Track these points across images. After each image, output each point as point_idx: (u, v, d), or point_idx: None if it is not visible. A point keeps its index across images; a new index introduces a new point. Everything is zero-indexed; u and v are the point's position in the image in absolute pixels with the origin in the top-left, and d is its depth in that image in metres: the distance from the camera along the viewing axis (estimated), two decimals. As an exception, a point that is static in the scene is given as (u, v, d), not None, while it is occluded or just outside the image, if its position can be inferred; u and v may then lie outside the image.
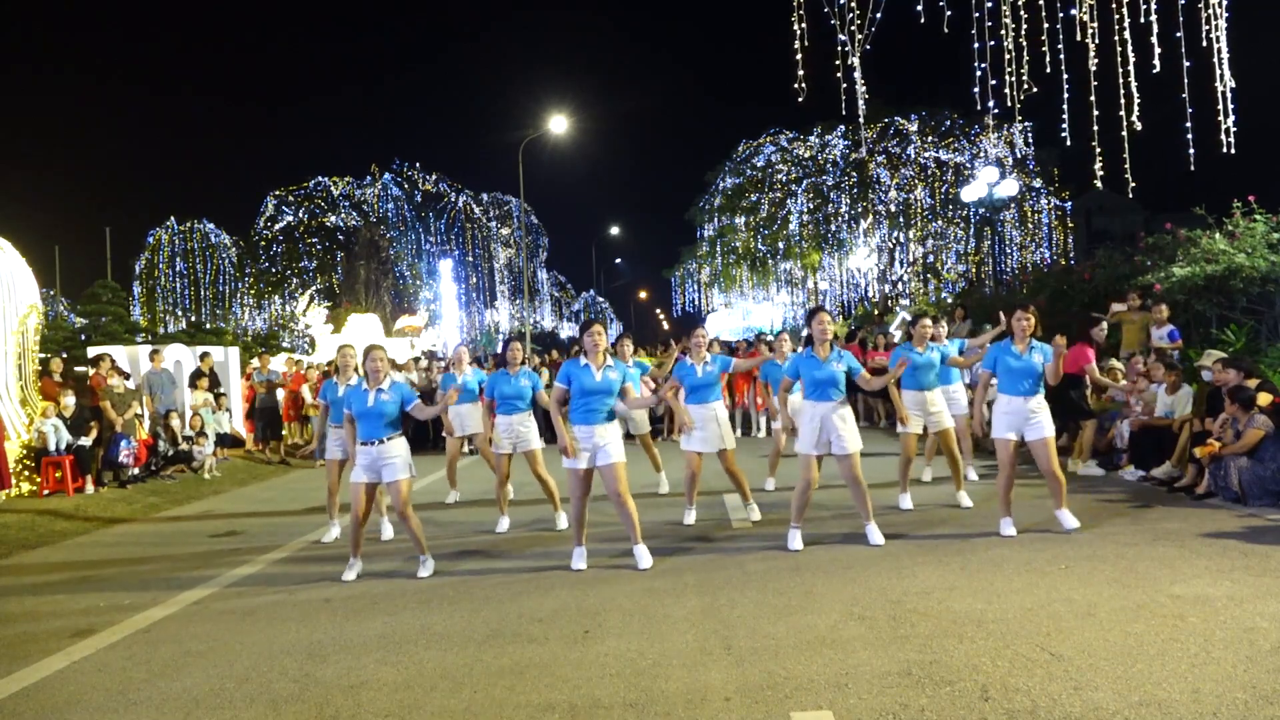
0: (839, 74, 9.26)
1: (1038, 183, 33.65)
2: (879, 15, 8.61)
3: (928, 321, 8.02)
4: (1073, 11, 8.79)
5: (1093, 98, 9.00)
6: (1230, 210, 11.71)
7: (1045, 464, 6.39)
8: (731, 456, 7.43)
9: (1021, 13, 8.91)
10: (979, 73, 9.26)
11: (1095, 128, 9.14)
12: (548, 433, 15.06)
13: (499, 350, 8.13)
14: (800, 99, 9.18)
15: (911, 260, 34.75)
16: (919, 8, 8.96)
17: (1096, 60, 8.82)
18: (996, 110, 9.40)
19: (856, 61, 9.02)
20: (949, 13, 8.74)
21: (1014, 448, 6.46)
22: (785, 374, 6.64)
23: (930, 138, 33.85)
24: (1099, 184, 9.55)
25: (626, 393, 6.24)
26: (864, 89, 9.39)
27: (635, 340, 10.27)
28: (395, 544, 7.29)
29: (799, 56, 8.99)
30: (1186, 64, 8.82)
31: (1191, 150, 9.34)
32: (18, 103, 78.40)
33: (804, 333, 6.65)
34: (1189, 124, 9.15)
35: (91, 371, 12.77)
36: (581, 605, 5.15)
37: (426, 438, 14.45)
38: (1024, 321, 6.47)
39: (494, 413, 7.69)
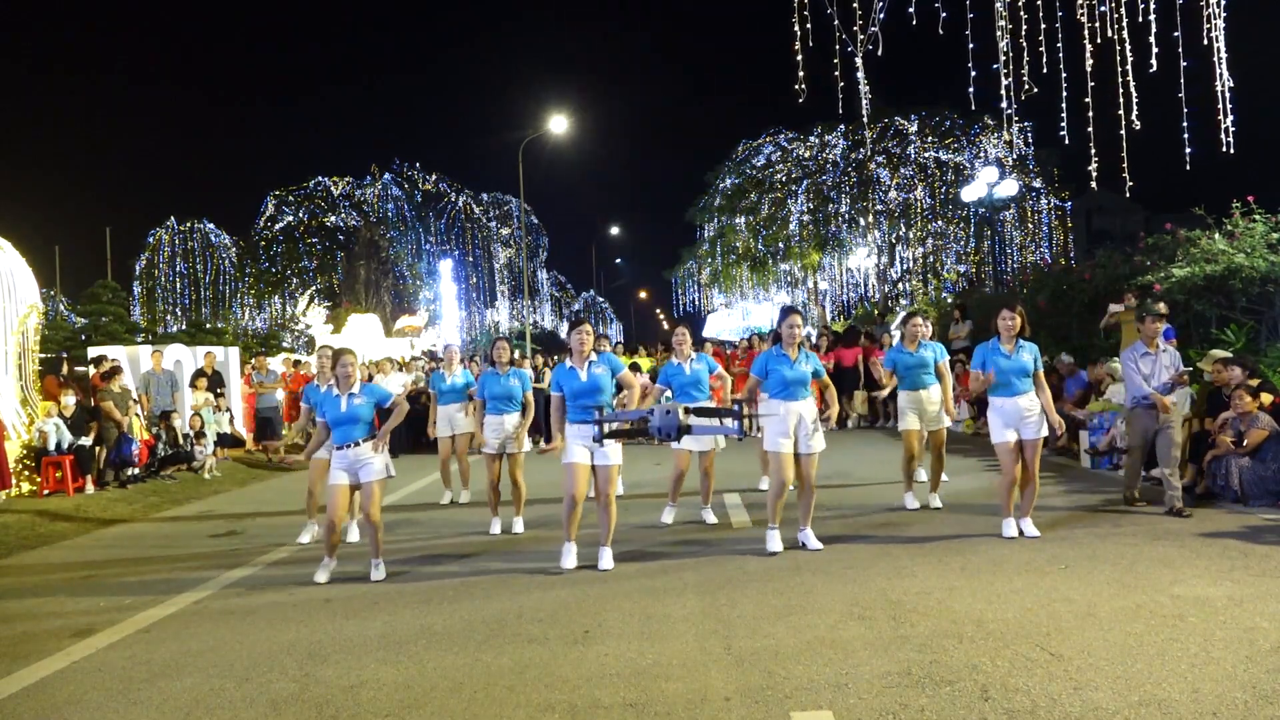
0: (840, 73, 9.23)
1: (1038, 183, 33.62)
2: (882, 16, 8.59)
3: (919, 319, 7.84)
4: (1075, 14, 8.78)
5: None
6: (1230, 210, 11.73)
7: (1029, 465, 6.35)
8: (712, 458, 7.39)
9: (1021, 13, 8.89)
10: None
11: (1090, 129, 9.12)
12: (546, 431, 15.07)
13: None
14: (800, 100, 9.14)
15: (912, 260, 34.73)
16: (910, 9, 8.95)
17: (1105, 60, 8.81)
18: (1009, 110, 9.35)
19: (860, 62, 8.99)
20: (944, 14, 8.73)
21: (1015, 447, 6.37)
22: (752, 372, 6.37)
23: (930, 138, 33.82)
24: (1101, 185, 9.53)
25: (625, 380, 6.19)
26: (867, 90, 9.36)
27: (636, 341, 10.26)
28: (394, 545, 7.28)
29: (799, 58, 8.96)
30: (1185, 64, 8.82)
31: (1196, 149, 9.33)
32: (18, 103, 78.42)
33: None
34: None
35: (94, 371, 12.78)
36: (581, 605, 5.15)
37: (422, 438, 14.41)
38: (1009, 321, 6.40)
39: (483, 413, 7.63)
